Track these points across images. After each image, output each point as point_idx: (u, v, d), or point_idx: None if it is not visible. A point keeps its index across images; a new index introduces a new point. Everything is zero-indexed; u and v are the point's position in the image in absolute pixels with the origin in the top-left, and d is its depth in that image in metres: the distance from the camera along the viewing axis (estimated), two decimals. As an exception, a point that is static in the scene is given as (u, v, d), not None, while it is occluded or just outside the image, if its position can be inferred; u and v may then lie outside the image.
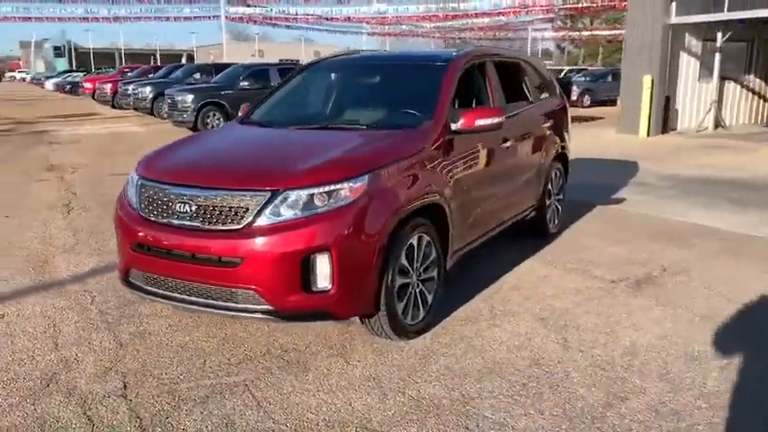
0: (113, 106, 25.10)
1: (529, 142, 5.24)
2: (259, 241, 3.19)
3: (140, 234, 3.51)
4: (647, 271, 4.99)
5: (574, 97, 26.63)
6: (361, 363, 3.47)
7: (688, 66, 15.72)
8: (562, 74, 30.52)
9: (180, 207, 3.40)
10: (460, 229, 4.20)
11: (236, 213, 3.26)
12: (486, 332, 3.87)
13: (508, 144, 4.77)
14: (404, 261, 3.59)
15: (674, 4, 14.41)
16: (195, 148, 4.12)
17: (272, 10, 32.50)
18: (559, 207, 6.08)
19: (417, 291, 3.78)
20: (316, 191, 3.26)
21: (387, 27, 38.51)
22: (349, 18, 32.68)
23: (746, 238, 5.94)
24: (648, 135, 14.56)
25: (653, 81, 14.43)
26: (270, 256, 3.18)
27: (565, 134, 6.14)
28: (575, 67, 35.24)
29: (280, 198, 3.23)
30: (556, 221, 6.01)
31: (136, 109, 21.79)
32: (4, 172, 10.32)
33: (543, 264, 5.19)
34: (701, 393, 3.13)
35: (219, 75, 18.29)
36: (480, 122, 4.11)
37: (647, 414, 2.95)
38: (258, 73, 17.02)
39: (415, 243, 3.67)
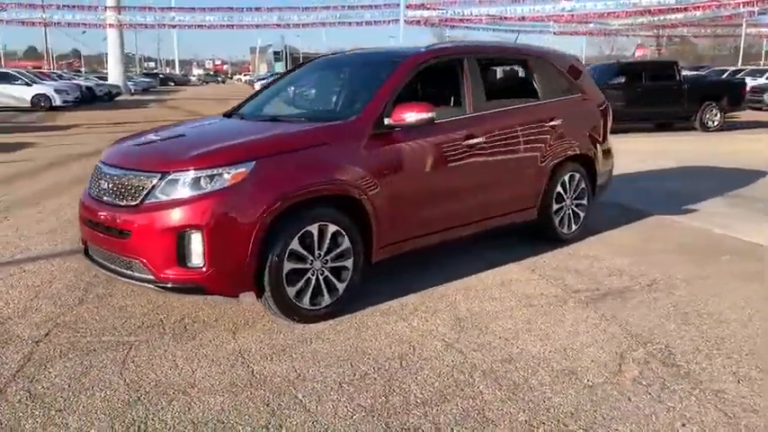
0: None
1: (519, 141, 5.03)
2: (145, 217, 3.58)
3: (86, 209, 4.08)
4: (628, 285, 4.58)
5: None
6: (245, 338, 3.71)
7: None
8: (741, 74, 27.10)
9: (104, 184, 3.91)
10: (393, 225, 4.24)
11: (135, 191, 3.68)
12: (388, 325, 3.90)
13: (476, 141, 4.65)
14: (297, 247, 3.75)
15: None
16: (148, 135, 4.61)
17: (447, 12, 33.09)
18: (580, 213, 5.71)
19: (322, 278, 3.92)
20: (199, 174, 3.57)
21: (573, 25, 37.11)
22: (523, 18, 32.14)
23: (799, 260, 5.13)
24: (821, 144, 12.64)
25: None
26: (151, 231, 3.56)
27: (594, 135, 5.76)
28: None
29: (168, 179, 3.59)
30: (573, 227, 5.67)
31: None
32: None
33: (523, 268, 4.97)
34: (534, 407, 2.94)
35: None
36: (409, 118, 4.12)
37: (452, 417, 2.86)
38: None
39: (314, 231, 3.81)
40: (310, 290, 3.88)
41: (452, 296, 4.38)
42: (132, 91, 43.30)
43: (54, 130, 17.51)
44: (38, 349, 3.59)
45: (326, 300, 3.95)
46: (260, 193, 3.59)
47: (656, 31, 55.60)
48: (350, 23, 33.36)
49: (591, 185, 5.81)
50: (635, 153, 11.75)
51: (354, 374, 3.27)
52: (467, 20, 33.48)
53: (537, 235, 5.59)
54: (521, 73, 5.43)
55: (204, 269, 3.53)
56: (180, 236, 3.51)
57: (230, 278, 3.61)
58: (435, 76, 4.68)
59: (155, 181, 3.62)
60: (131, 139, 4.59)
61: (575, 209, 5.67)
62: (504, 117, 4.96)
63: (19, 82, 25.37)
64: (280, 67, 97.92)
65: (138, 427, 2.81)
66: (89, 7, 33.43)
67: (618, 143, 13.02)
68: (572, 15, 31.87)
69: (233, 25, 33.32)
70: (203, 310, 4.13)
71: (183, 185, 3.57)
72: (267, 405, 2.98)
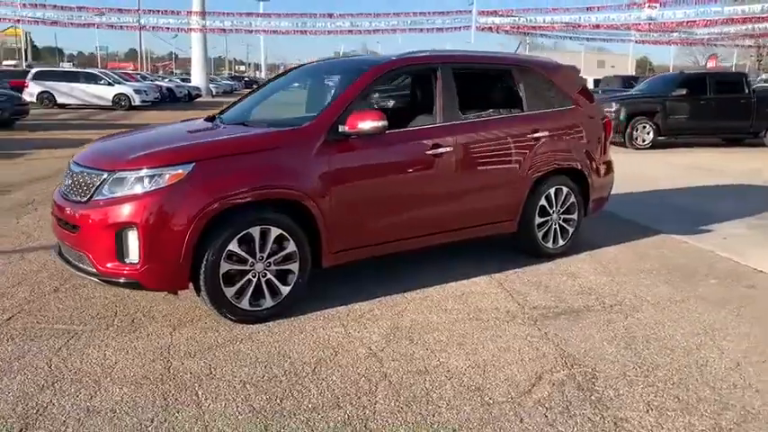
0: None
1: (494, 152, 4.95)
2: (91, 212, 3.77)
3: (55, 205, 4.30)
4: (591, 304, 4.42)
5: None
6: (180, 334, 3.83)
7: None
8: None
9: (67, 181, 4.14)
10: (347, 231, 4.27)
11: (87, 188, 3.88)
12: (324, 330, 3.93)
13: (443, 150, 4.61)
14: (236, 249, 3.84)
15: None
16: (120, 136, 4.82)
17: (519, 19, 32.55)
18: (569, 228, 5.54)
19: (264, 280, 3.99)
20: (139, 174, 3.72)
21: (656, 34, 35.63)
22: (597, 26, 31.12)
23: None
24: None
25: None
26: (95, 226, 3.75)
27: (589, 149, 5.58)
28: None
29: (113, 178, 3.77)
30: (560, 242, 5.50)
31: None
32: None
33: (493, 281, 4.88)
34: (419, 421, 2.92)
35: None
36: (361, 125, 4.14)
37: (333, 424, 2.88)
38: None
39: (255, 234, 3.89)
40: (250, 291, 3.95)
41: (405, 305, 4.36)
42: (213, 93, 45.01)
43: (124, 128, 18.43)
44: (-8, 332, 3.84)
45: (268, 302, 4.02)
46: (195, 194, 3.70)
47: (757, 40, 52.65)
48: (421, 30, 33.50)
49: (583, 200, 5.62)
50: (681, 168, 11.28)
51: (264, 376, 3.33)
52: (539, 27, 32.93)
53: (522, 249, 5.47)
54: (504, 84, 5.33)
55: (139, 265, 3.68)
56: (118, 232, 3.68)
57: (164, 275, 3.74)
58: (408, 84, 4.68)
59: (102, 178, 3.80)
60: (108, 138, 4.82)
61: (562, 223, 5.51)
62: (478, 127, 4.89)
63: (102, 82, 26.94)
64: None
65: (38, 410, 2.96)
66: (172, 12, 35.07)
67: (672, 157, 12.56)
68: (649, 24, 30.68)
69: (306, 31, 34.13)
70: (159, 305, 4.30)
71: (125, 184, 3.73)
72: (164, 399, 3.08)
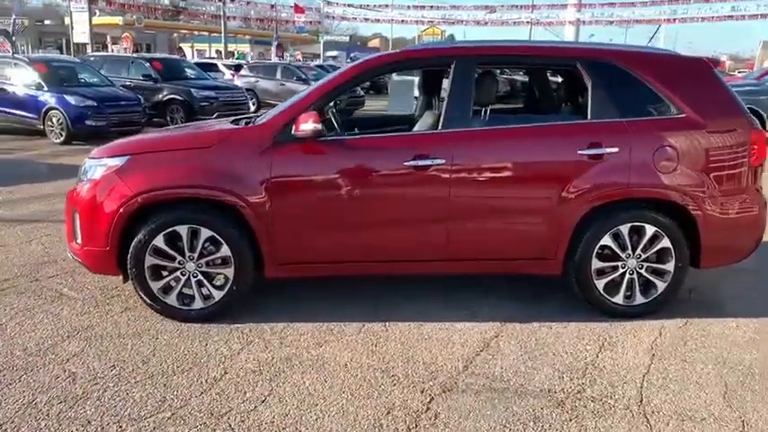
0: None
1: (515, 170, 3.89)
2: (67, 195, 4.20)
3: None
4: (548, 389, 3.21)
5: None
6: (117, 317, 4.00)
7: None
8: None
9: None
10: (297, 243, 3.93)
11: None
12: (217, 346, 3.66)
13: (429, 163, 3.80)
14: (162, 245, 3.83)
15: None
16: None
17: None
18: (657, 282, 4.01)
19: (194, 280, 3.92)
20: (96, 164, 4.01)
21: None
22: None
23: None
24: None
25: None
26: (66, 206, 4.18)
27: (702, 176, 3.94)
28: None
29: (83, 167, 4.14)
30: (637, 299, 4.04)
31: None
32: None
33: (486, 333, 3.87)
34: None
35: None
36: (302, 128, 3.74)
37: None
38: None
39: (183, 232, 3.82)
40: (178, 289, 3.92)
41: (340, 338, 3.79)
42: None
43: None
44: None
45: (198, 303, 3.93)
46: (122, 186, 3.79)
47: None
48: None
49: (688, 246, 4.01)
50: None
51: (90, 366, 3.34)
52: None
53: (581, 299, 4.19)
54: (560, 82, 4.10)
55: (80, 246, 3.98)
56: (72, 214, 4.04)
57: (96, 259, 3.94)
58: (424, 83, 4.00)
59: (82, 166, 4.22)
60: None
61: (647, 275, 4.03)
62: (492, 137, 3.90)
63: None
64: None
65: None
66: (561, 6, 35.02)
67: None
68: None
69: (672, 20, 30.29)
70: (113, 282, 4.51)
71: (87, 173, 4.05)
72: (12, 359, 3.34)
